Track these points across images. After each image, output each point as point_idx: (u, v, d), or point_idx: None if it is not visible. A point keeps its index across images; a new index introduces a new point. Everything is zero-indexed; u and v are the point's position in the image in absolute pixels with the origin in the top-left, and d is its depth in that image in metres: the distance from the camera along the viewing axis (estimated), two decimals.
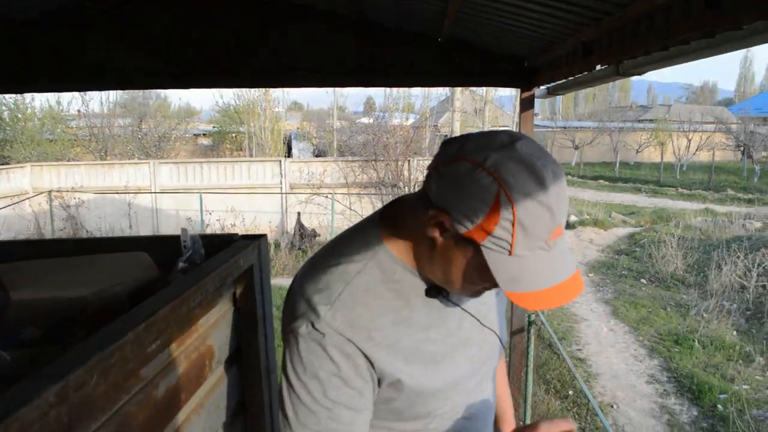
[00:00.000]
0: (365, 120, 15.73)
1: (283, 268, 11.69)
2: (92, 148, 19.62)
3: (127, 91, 20.48)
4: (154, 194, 13.93)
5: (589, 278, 11.36)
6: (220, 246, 1.73)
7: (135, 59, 3.57)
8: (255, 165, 14.24)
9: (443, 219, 1.02)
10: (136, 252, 1.68)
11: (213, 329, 1.58)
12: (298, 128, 38.89)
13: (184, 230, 1.64)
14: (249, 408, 1.88)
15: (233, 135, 33.73)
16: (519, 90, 4.42)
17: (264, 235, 1.92)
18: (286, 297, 1.25)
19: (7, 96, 19.44)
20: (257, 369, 1.84)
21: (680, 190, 25.28)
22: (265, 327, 1.93)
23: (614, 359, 7.47)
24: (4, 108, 19.17)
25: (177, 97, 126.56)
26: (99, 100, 21.73)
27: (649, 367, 7.25)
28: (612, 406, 6.24)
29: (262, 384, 1.87)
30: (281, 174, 14.10)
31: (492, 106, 27.45)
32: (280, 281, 10.98)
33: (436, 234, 1.05)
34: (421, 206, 1.07)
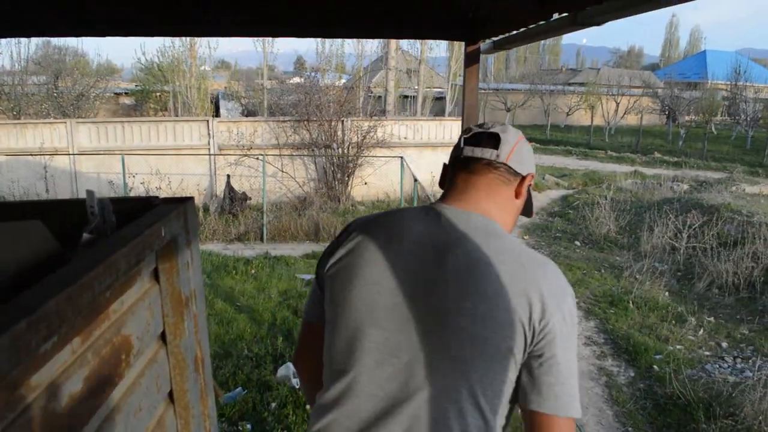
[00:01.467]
0: (296, 80, 15.19)
1: (212, 233, 11.24)
2: (3, 107, 18.28)
3: (41, 46, 19.14)
4: (72, 156, 13.08)
5: (524, 240, 11.41)
6: (137, 212, 1.41)
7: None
8: (181, 125, 13.55)
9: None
10: (29, 221, 1.33)
11: (129, 315, 1.27)
12: (225, 87, 37.64)
13: (90, 192, 1.31)
14: (178, 401, 1.59)
15: (157, 94, 32.33)
16: (463, 44, 4.17)
17: (191, 198, 1.59)
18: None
19: None
20: (186, 356, 1.55)
21: (609, 152, 25.88)
22: (194, 306, 1.63)
23: None
24: None
25: (96, 53, 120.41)
26: (9, 56, 20.18)
27: (586, 328, 7.29)
28: None
29: (192, 372, 1.58)
30: (209, 134, 13.48)
31: (426, 67, 27.18)
32: (210, 247, 10.55)
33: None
34: (512, 178, 1.42)
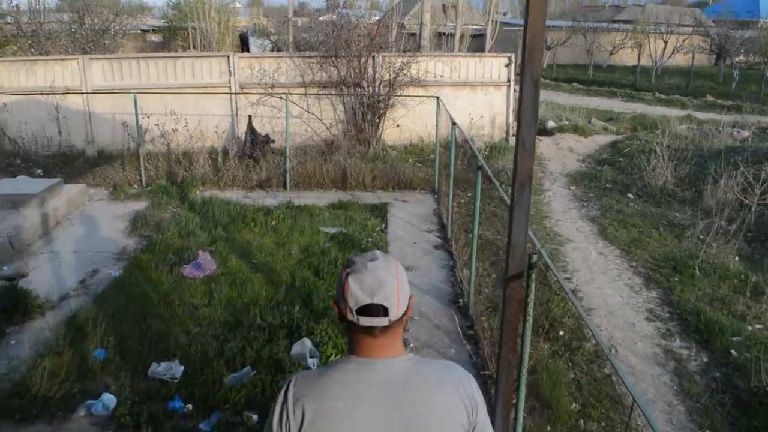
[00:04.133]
0: (329, 17, 14.06)
1: (232, 180, 10.42)
2: (21, 45, 17.45)
3: None
4: (85, 95, 12.26)
5: (571, 191, 10.39)
6: None
7: None
8: (200, 61, 12.54)
9: None
10: None
11: None
12: (255, 24, 36.37)
13: None
14: None
15: (185, 32, 31.38)
16: None
17: None
18: None
19: None
20: None
21: (657, 95, 24.27)
22: None
23: (607, 290, 6.56)
24: None
25: None
26: None
27: (648, 299, 6.36)
28: (611, 350, 5.33)
29: None
30: (230, 72, 12.49)
31: (463, 3, 25.59)
32: (229, 194, 9.77)
33: None
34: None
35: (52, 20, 19.18)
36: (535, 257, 3.59)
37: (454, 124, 7.93)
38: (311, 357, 4.89)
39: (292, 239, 7.78)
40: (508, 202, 3.73)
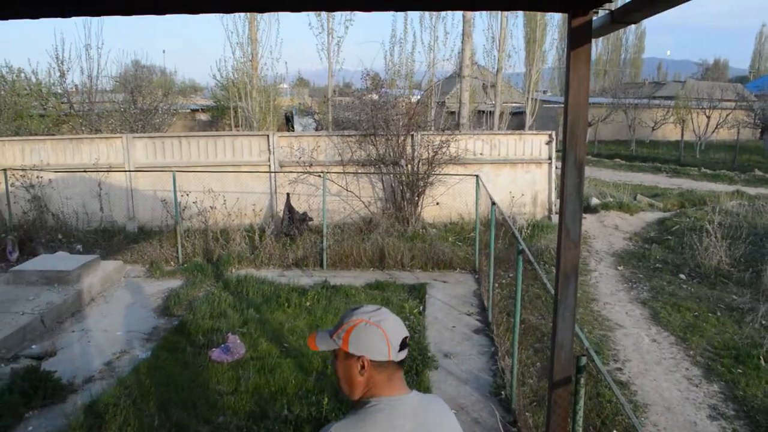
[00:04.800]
0: (370, 97, 14.15)
1: (269, 258, 10.28)
2: (74, 125, 18.08)
3: (128, 65, 18.87)
4: (128, 172, 12.46)
5: (618, 272, 9.91)
6: None
7: None
8: (240, 140, 12.68)
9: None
10: None
11: None
12: (299, 104, 37.33)
13: None
14: None
15: (234, 111, 32.37)
16: (567, 16, 2.96)
17: None
18: None
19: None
20: None
21: (703, 170, 23.69)
22: None
23: (663, 382, 6.04)
24: None
25: (181, 74, 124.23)
26: (80, 70, 19.92)
27: (709, 394, 5.81)
28: None
29: None
30: (269, 150, 12.58)
31: (503, 82, 25.78)
32: (265, 273, 9.59)
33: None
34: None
35: (106, 101, 19.87)
36: (584, 359, 3.23)
37: (493, 203, 7.68)
38: None
39: (326, 321, 7.49)
40: (552, 291, 3.41)
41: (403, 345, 1.81)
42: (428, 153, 12.14)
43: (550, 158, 13.19)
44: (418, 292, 8.71)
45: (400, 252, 10.13)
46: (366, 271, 9.93)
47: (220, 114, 34.90)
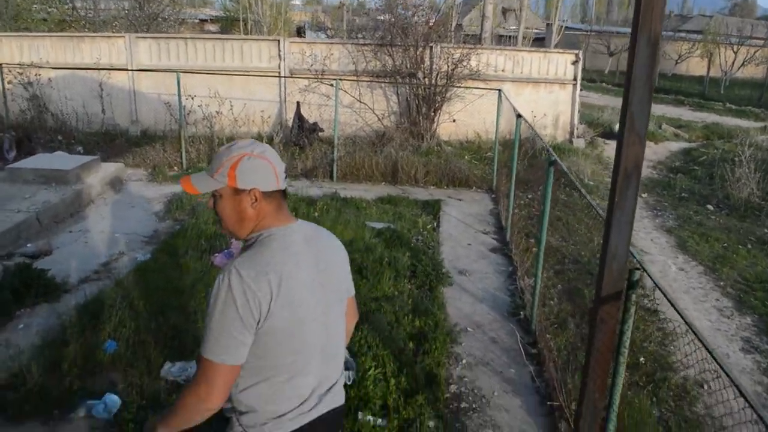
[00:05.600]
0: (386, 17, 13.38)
1: None
2: (78, 29, 17.30)
3: None
4: (130, 72, 11.85)
5: (642, 199, 9.45)
6: None
7: None
8: (249, 44, 11.97)
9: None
10: None
11: None
12: (312, 17, 36.13)
13: None
14: None
15: (244, 22, 31.45)
16: None
17: None
18: None
19: None
20: None
21: (728, 105, 22.87)
22: None
23: (693, 311, 5.67)
24: None
25: None
26: None
27: (742, 326, 5.46)
28: (702, 386, 4.47)
29: None
30: (280, 56, 11.91)
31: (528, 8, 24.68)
32: None
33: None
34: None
35: (111, 7, 19.05)
36: (638, 273, 2.82)
37: (519, 116, 7.15)
38: (347, 369, 4.18)
39: (335, 232, 7.02)
40: (592, 205, 2.97)
41: (285, 173, 1.85)
42: (448, 66, 11.48)
43: (575, 79, 12.52)
44: (432, 208, 8.29)
45: (414, 167, 9.66)
46: (378, 184, 9.50)
47: (229, 25, 33.89)
